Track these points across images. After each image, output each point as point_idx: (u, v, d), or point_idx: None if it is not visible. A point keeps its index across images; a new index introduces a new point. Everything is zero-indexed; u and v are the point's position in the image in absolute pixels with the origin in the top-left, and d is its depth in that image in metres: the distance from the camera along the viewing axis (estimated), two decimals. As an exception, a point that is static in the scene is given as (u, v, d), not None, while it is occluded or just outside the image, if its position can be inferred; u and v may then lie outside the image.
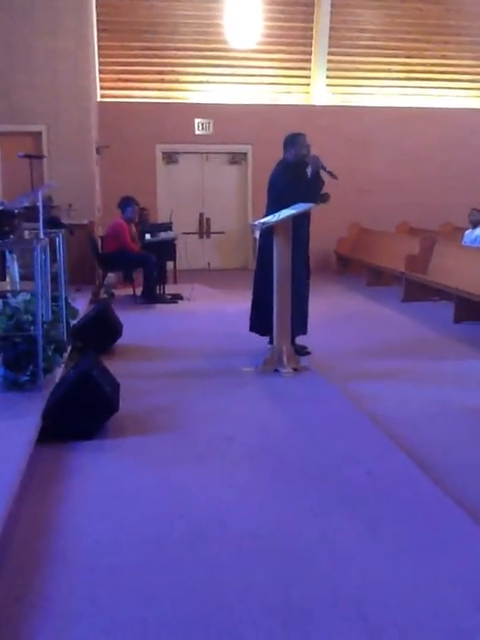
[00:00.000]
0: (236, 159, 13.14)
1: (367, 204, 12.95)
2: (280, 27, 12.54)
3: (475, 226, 9.77)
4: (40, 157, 10.16)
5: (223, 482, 3.67)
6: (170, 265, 10.39)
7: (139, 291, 9.47)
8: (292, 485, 3.64)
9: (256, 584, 2.69)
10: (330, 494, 3.52)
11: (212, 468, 3.87)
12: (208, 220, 13.25)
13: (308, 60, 12.76)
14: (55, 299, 6.22)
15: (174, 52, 12.44)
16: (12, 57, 10.47)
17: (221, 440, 4.29)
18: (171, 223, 10.83)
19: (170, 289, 9.94)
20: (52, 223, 7.89)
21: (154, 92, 12.63)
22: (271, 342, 6.01)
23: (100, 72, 12.26)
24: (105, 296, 9.58)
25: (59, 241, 6.40)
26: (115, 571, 2.79)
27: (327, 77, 12.87)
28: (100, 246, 9.92)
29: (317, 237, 6.63)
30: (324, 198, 6.10)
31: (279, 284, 5.74)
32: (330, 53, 12.65)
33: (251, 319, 6.37)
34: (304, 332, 6.28)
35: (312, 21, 12.53)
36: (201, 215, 13.22)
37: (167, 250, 10.14)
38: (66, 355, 5.66)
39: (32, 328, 4.80)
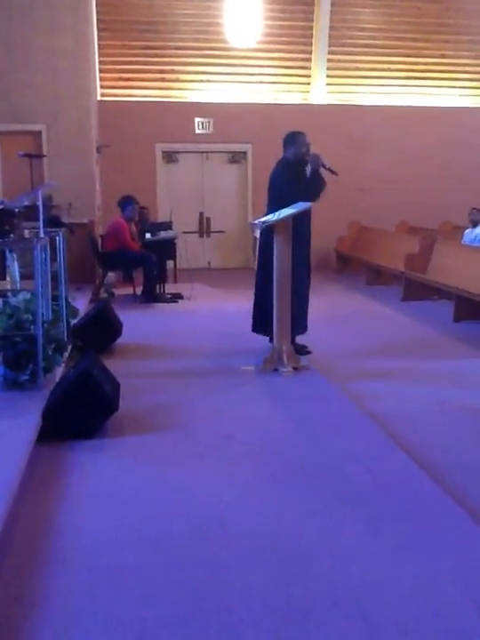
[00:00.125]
0: (236, 158, 13.14)
1: (367, 203, 12.94)
2: (280, 26, 12.54)
3: (474, 225, 9.77)
4: (40, 156, 10.15)
5: (223, 481, 3.67)
6: (170, 264, 10.38)
7: (139, 290, 9.47)
8: (291, 484, 3.64)
9: (256, 583, 2.69)
10: (330, 493, 3.52)
11: (211, 466, 3.87)
12: (208, 219, 13.24)
13: (308, 59, 12.76)
14: (55, 298, 6.22)
15: (174, 51, 12.44)
16: (12, 56, 10.46)
17: (221, 439, 4.29)
18: (171, 222, 10.83)
19: (170, 288, 9.93)
20: (53, 222, 7.88)
21: (154, 91, 12.62)
22: (272, 341, 6.01)
23: (101, 71, 12.26)
24: (105, 295, 9.58)
25: (59, 240, 6.40)
26: (114, 570, 2.79)
27: (327, 76, 12.87)
28: (100, 245, 9.92)
29: (317, 236, 6.62)
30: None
31: (279, 283, 5.74)
32: (330, 52, 12.65)
33: (254, 320, 6.36)
34: (304, 331, 6.28)
35: (312, 20, 12.53)
36: (201, 214, 13.22)
37: (167, 249, 10.13)
38: (66, 354, 5.66)
39: (32, 327, 4.80)
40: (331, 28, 12.49)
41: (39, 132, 10.74)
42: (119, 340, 6.67)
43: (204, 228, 13.27)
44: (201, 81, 12.69)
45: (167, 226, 10.61)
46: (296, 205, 5.68)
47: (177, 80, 12.67)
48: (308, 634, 2.39)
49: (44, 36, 10.49)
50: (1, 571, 2.78)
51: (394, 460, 3.97)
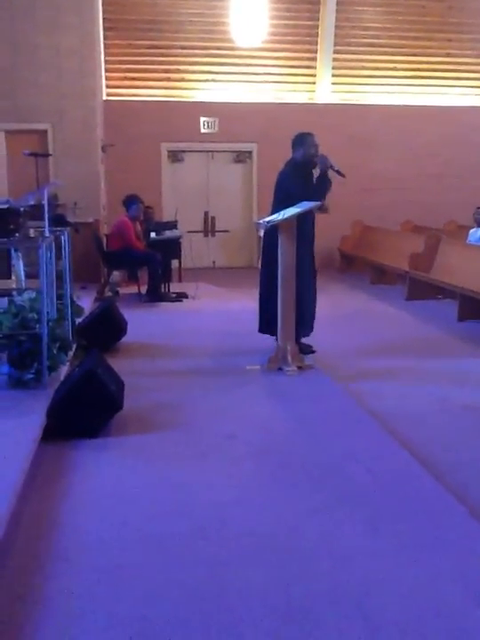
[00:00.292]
0: (242, 157, 13.14)
1: (371, 202, 12.93)
2: (285, 25, 12.53)
3: (479, 225, 9.75)
4: (46, 156, 10.18)
5: (225, 480, 3.68)
6: (175, 263, 10.40)
7: (143, 289, 9.48)
8: (293, 483, 3.65)
9: (256, 582, 2.70)
10: (330, 492, 3.53)
11: (214, 466, 3.88)
12: (213, 218, 13.25)
13: (314, 59, 12.75)
14: (60, 297, 6.24)
15: (180, 51, 12.44)
16: (17, 55, 10.49)
17: (224, 438, 4.30)
18: (176, 221, 10.83)
19: (175, 287, 9.94)
20: (58, 221, 7.90)
21: (159, 90, 12.63)
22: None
23: (106, 70, 12.27)
24: (110, 294, 9.60)
25: (64, 239, 6.41)
26: (116, 568, 2.81)
27: (332, 76, 12.86)
28: (104, 244, 9.94)
29: (321, 235, 6.62)
30: (322, 209, 6.08)
31: (284, 283, 5.75)
32: (335, 52, 12.64)
33: (260, 320, 6.36)
34: (309, 331, 6.29)
35: (317, 20, 12.52)
36: (206, 213, 13.23)
37: (172, 248, 10.15)
38: (70, 353, 5.68)
39: (37, 326, 4.82)
40: (336, 27, 12.48)
41: (45, 131, 10.77)
42: (124, 339, 6.68)
43: (208, 228, 13.27)
44: (206, 80, 12.70)
45: (172, 225, 10.61)
46: (301, 204, 5.69)
47: (182, 79, 12.67)
48: (309, 634, 2.40)
49: (49, 36, 10.51)
50: (4, 569, 2.80)
51: (395, 458, 3.98)
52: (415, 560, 2.87)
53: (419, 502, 3.41)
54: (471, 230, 9.92)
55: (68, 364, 5.41)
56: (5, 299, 5.33)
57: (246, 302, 7.69)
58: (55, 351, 5.04)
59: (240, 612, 2.51)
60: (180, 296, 9.51)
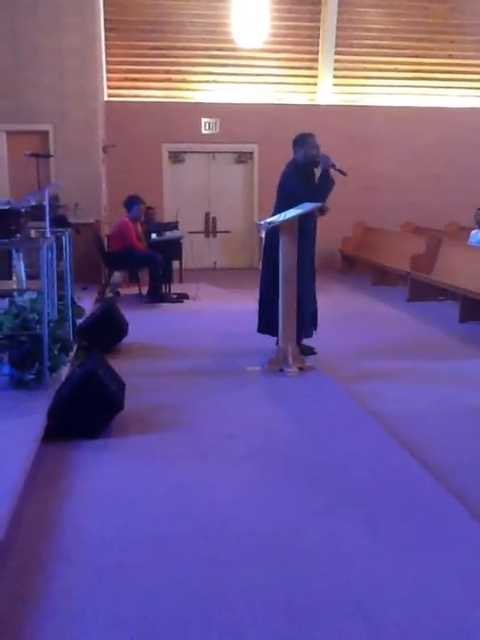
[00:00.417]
0: (243, 158, 13.14)
1: (372, 204, 12.93)
2: (287, 26, 12.54)
3: (480, 226, 9.75)
4: (47, 156, 10.19)
5: (226, 480, 3.69)
6: (176, 264, 10.41)
7: (144, 290, 9.49)
8: (294, 484, 3.65)
9: (257, 582, 2.71)
10: (332, 493, 3.53)
11: (214, 466, 3.89)
12: (214, 219, 13.25)
13: (315, 60, 12.75)
14: (61, 297, 6.24)
15: (181, 52, 12.45)
16: (19, 56, 10.49)
17: (224, 439, 4.31)
18: (177, 222, 10.83)
19: (175, 288, 9.94)
20: (59, 222, 7.90)
21: (160, 91, 12.64)
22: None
23: (107, 71, 12.28)
24: (111, 295, 9.60)
25: (65, 240, 6.42)
26: (117, 569, 2.81)
27: (334, 77, 12.86)
28: (105, 245, 9.95)
29: (322, 236, 6.62)
30: (322, 210, 6.09)
31: (285, 284, 5.75)
32: (336, 53, 12.64)
33: (259, 321, 6.37)
34: (310, 333, 6.29)
35: (319, 21, 12.52)
36: (207, 214, 13.23)
37: (173, 249, 10.15)
38: (71, 353, 5.69)
39: (38, 327, 4.83)
40: (337, 28, 12.48)
41: (46, 132, 10.77)
42: (125, 340, 6.69)
43: (209, 228, 13.28)
44: (207, 81, 12.70)
45: (173, 226, 10.61)
46: (302, 206, 5.69)
47: (183, 80, 12.68)
48: (309, 634, 2.40)
49: (50, 36, 10.51)
50: (5, 569, 2.80)
51: (396, 459, 3.98)
52: (416, 561, 2.87)
53: (419, 503, 3.41)
54: (472, 231, 9.91)
55: (68, 364, 5.42)
56: (6, 299, 5.33)
57: (247, 303, 7.69)
58: (56, 352, 5.04)
59: (241, 612, 2.51)
60: (181, 297, 9.52)
